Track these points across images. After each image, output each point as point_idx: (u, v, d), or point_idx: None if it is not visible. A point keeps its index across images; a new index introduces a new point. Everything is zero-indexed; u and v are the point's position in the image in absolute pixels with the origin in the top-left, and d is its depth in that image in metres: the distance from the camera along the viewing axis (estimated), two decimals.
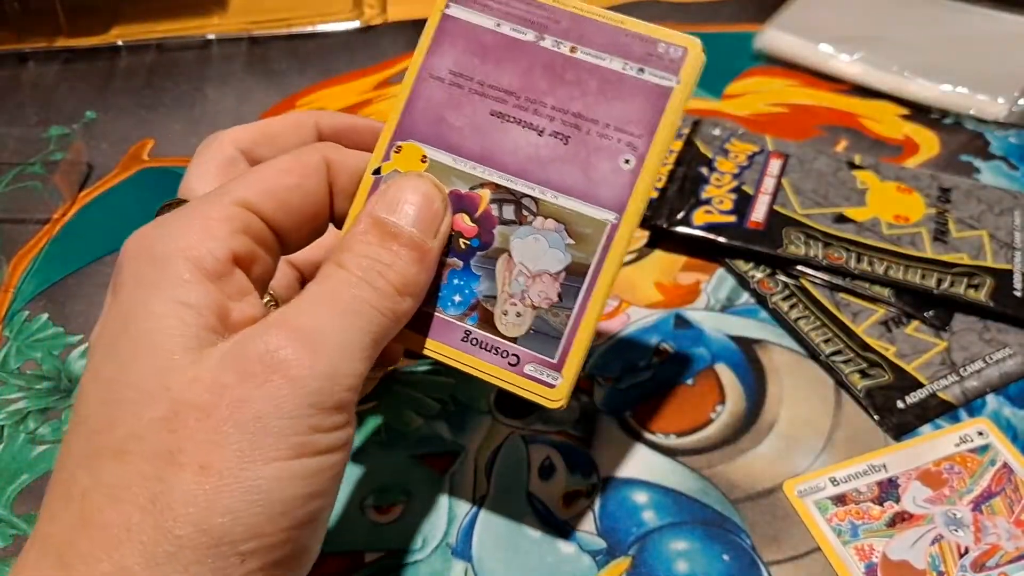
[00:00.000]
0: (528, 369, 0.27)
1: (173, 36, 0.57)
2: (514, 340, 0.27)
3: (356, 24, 0.58)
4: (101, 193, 0.47)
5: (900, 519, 0.32)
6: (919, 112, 0.50)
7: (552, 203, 0.27)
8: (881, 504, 0.32)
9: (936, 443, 0.34)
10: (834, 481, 0.33)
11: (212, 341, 0.22)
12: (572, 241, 0.27)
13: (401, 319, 0.25)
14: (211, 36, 0.57)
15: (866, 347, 0.37)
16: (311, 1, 0.57)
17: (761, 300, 0.40)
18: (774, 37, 0.54)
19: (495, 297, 0.27)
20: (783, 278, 0.41)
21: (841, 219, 0.42)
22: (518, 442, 0.35)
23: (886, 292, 0.39)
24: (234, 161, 0.29)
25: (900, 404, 0.35)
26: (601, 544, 0.32)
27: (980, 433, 0.34)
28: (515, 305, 0.27)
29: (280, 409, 0.21)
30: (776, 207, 0.42)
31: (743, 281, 0.41)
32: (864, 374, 0.36)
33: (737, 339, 0.38)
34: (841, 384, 0.36)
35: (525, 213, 0.27)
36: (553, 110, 0.27)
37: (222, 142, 0.30)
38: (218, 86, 0.54)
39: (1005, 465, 0.33)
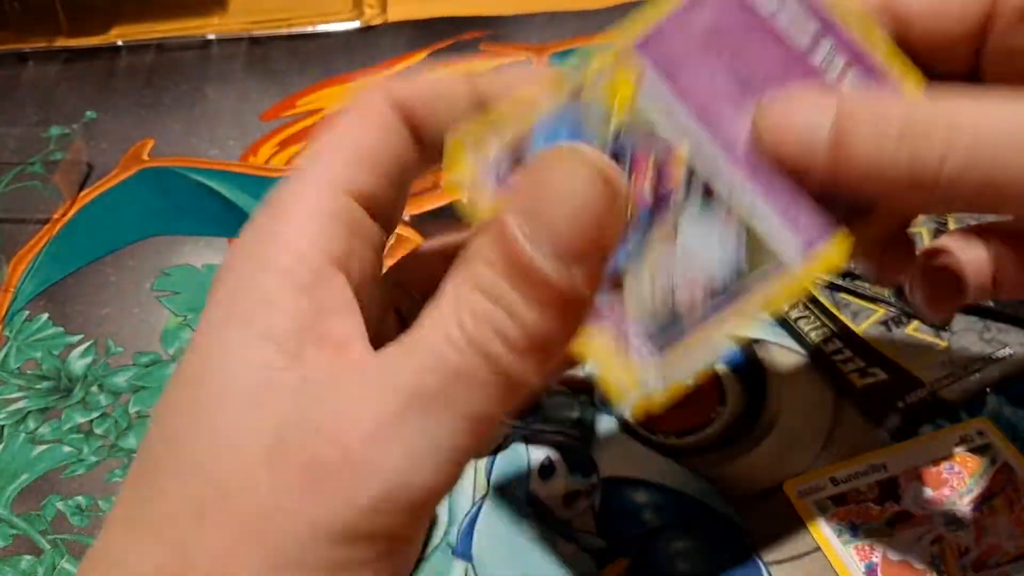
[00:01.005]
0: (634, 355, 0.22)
1: (173, 36, 0.57)
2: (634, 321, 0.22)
3: (356, 24, 0.58)
4: (101, 193, 0.47)
5: (900, 519, 0.32)
6: None
7: (745, 204, 0.22)
8: (881, 504, 0.32)
9: (936, 443, 0.34)
10: (834, 481, 0.33)
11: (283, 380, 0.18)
12: (744, 254, 0.23)
13: (521, 391, 0.18)
14: (211, 36, 0.57)
15: (866, 347, 0.37)
16: (311, 1, 0.57)
17: None
18: None
19: (634, 274, 0.22)
20: None
21: None
22: (518, 442, 0.35)
23: (886, 292, 0.39)
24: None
25: (900, 404, 0.35)
26: (601, 544, 0.32)
27: (980, 433, 0.34)
28: (651, 287, 0.22)
29: (308, 535, 0.17)
30: None
31: None
32: (864, 374, 0.36)
33: None
34: (841, 384, 0.36)
35: (714, 199, 0.22)
36: None
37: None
38: (218, 86, 0.54)
39: (1005, 465, 0.33)
